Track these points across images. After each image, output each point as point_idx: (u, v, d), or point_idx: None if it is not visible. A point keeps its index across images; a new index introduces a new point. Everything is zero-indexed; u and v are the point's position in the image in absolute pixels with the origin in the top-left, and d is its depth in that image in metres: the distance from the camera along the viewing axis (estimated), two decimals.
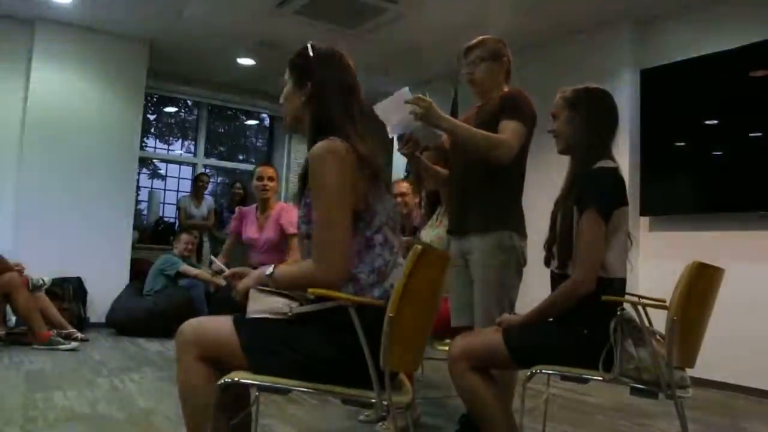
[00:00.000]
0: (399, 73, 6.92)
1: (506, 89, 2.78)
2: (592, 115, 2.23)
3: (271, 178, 4.11)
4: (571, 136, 2.26)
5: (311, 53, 1.83)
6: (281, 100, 1.89)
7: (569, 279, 2.11)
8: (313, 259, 1.66)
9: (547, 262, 2.28)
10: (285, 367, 1.62)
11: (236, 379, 1.60)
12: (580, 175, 2.19)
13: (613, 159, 2.24)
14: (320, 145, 1.67)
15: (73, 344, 4.97)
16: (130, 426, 2.94)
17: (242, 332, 1.66)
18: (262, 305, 1.69)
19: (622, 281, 2.18)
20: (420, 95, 2.43)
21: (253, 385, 1.63)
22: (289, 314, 1.66)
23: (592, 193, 2.12)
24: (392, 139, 2.69)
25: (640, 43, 5.46)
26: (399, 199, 3.90)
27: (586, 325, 2.06)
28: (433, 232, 3.37)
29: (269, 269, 1.72)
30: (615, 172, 2.19)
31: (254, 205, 4.24)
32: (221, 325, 1.70)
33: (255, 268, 4.07)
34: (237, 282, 1.83)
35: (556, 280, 2.21)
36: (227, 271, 1.96)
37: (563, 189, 2.28)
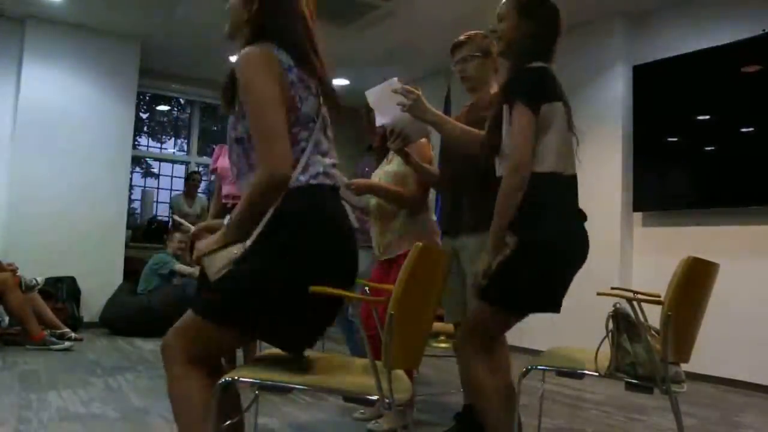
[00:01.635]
0: (391, 70, 6.91)
1: (495, 86, 2.79)
2: (538, 27, 2.20)
3: None
4: (515, 42, 2.22)
5: None
6: (226, 7, 1.85)
7: (504, 175, 2.07)
8: (259, 164, 1.65)
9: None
10: (228, 300, 1.61)
11: (237, 377, 1.60)
12: (511, 74, 2.17)
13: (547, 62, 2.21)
14: (246, 50, 1.69)
15: (67, 344, 4.95)
16: (124, 425, 2.93)
17: (193, 303, 1.66)
18: (219, 262, 1.66)
19: (565, 177, 2.14)
20: (408, 86, 2.43)
21: (253, 383, 1.62)
22: (246, 250, 1.64)
23: (519, 86, 2.10)
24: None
25: (632, 39, 5.48)
26: None
27: (549, 222, 2.04)
28: (381, 169, 3.25)
29: (226, 219, 1.70)
30: (545, 70, 2.16)
31: None
32: (186, 316, 1.68)
33: (225, 204, 3.91)
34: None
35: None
36: (192, 229, 1.92)
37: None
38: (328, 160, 1.76)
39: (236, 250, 1.63)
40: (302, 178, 1.68)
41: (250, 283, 1.61)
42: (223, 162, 4.00)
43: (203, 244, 1.71)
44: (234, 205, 3.71)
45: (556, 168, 2.09)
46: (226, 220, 1.71)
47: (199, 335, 1.65)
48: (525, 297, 2.06)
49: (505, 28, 2.25)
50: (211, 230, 1.85)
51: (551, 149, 2.08)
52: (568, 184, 2.15)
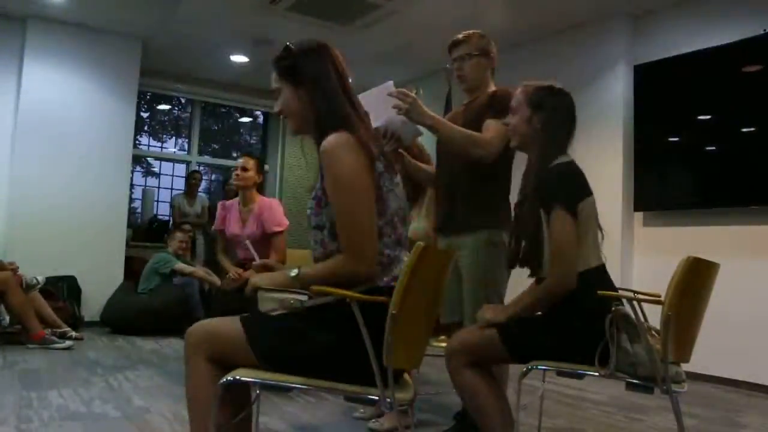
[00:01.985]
0: (393, 69, 6.92)
1: (493, 87, 2.80)
2: (552, 119, 2.22)
3: (244, 168, 4.04)
4: (528, 136, 2.25)
5: (296, 51, 1.80)
6: (279, 107, 1.85)
7: (548, 280, 2.11)
8: (344, 253, 1.65)
9: (512, 264, 2.29)
10: (294, 360, 1.62)
11: (238, 377, 1.60)
12: (540, 176, 2.18)
13: (567, 154, 2.24)
14: (331, 139, 1.67)
15: (68, 343, 4.96)
16: (125, 424, 2.93)
17: (250, 330, 1.66)
18: (272, 303, 1.68)
19: (601, 269, 2.19)
20: (404, 90, 2.43)
21: (254, 383, 1.63)
22: (301, 309, 1.65)
23: (555, 191, 2.12)
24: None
25: (633, 38, 5.47)
26: None
27: (581, 320, 2.06)
28: (412, 226, 3.28)
29: (293, 271, 1.70)
30: (572, 165, 2.20)
31: (236, 199, 4.20)
32: (229, 325, 1.70)
33: (242, 263, 4.03)
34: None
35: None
36: (258, 262, 1.94)
37: (523, 189, 2.29)
38: (405, 256, 1.77)
39: (292, 300, 1.65)
40: (385, 279, 1.69)
41: (290, 339, 1.64)
42: (231, 227, 4.08)
43: (261, 278, 1.73)
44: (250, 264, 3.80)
45: (598, 263, 2.15)
46: (293, 272, 1.70)
47: (233, 344, 1.66)
48: (538, 356, 2.11)
49: (517, 121, 2.27)
50: (269, 268, 1.90)
51: (589, 245, 2.14)
52: (604, 274, 2.19)
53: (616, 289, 2.17)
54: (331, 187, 1.67)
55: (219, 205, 4.25)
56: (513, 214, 2.34)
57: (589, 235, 2.15)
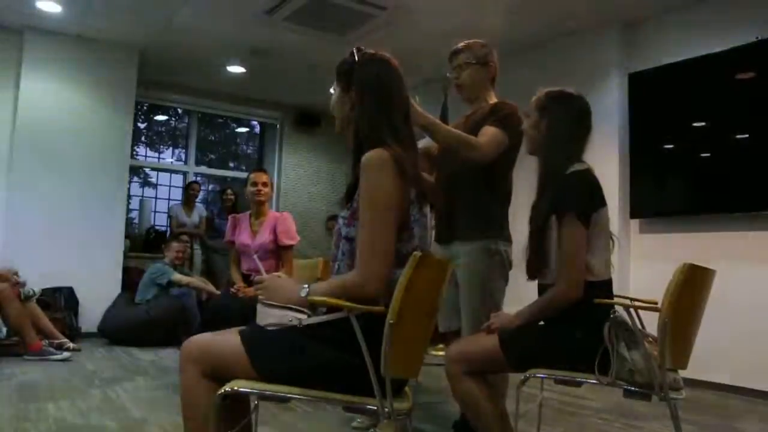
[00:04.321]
0: None
1: (493, 96, 2.81)
2: (557, 122, 2.22)
3: (264, 184, 4.12)
4: (536, 140, 2.26)
5: (356, 58, 1.83)
6: (331, 107, 1.89)
7: (555, 288, 2.11)
8: (356, 270, 1.65)
9: (532, 274, 2.26)
10: (294, 374, 1.62)
11: (236, 388, 1.60)
12: (554, 181, 2.18)
13: (583, 161, 2.24)
14: (371, 154, 1.67)
15: (65, 354, 4.94)
16: None
17: (249, 343, 1.66)
18: (272, 318, 1.68)
19: (608, 282, 2.19)
20: None
21: (253, 393, 1.63)
22: (299, 326, 1.65)
23: (568, 198, 2.12)
24: None
25: (628, 46, 5.50)
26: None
27: (581, 329, 2.06)
28: None
29: (304, 290, 1.68)
30: (588, 174, 2.19)
31: (248, 212, 4.24)
32: (227, 339, 1.69)
33: (247, 275, 4.04)
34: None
35: (543, 288, 2.22)
36: (261, 277, 1.94)
37: (537, 195, 2.29)
38: None
39: (290, 317, 1.65)
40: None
41: (291, 353, 1.63)
42: (241, 237, 4.11)
43: (273, 294, 1.73)
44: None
45: (604, 275, 2.15)
46: (304, 291, 1.68)
47: (230, 358, 1.65)
48: (536, 364, 2.10)
49: (527, 126, 2.29)
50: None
51: (600, 256, 2.13)
52: (609, 290, 2.19)
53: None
54: (361, 201, 1.67)
55: (230, 218, 4.29)
56: (529, 218, 2.32)
57: (601, 245, 2.15)
